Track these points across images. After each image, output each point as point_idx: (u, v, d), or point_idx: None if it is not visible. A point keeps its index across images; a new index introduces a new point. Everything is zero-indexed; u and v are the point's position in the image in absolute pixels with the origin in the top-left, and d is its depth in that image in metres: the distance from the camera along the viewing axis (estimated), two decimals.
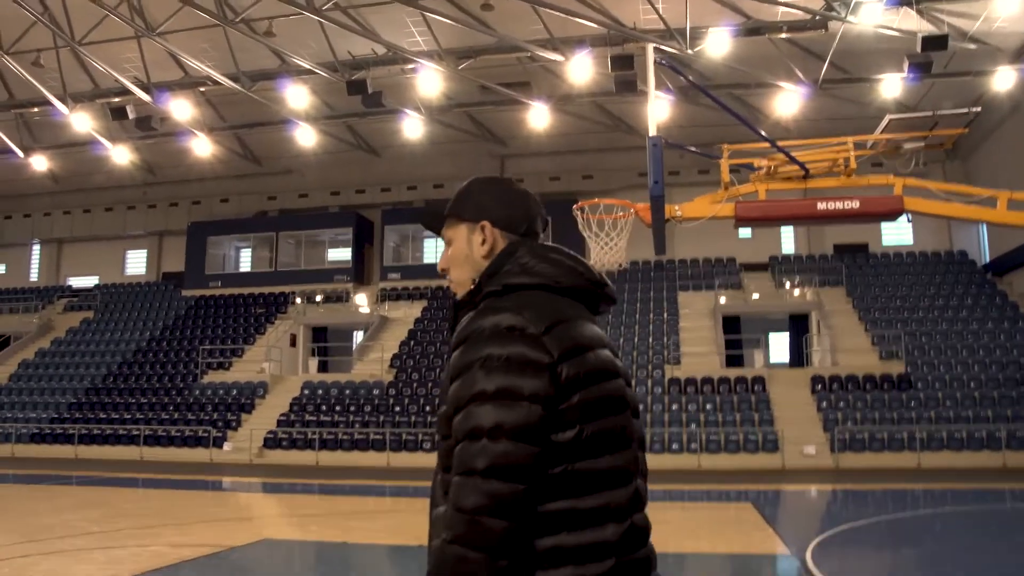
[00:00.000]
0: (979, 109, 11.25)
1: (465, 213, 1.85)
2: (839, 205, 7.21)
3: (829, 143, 8.18)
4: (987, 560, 8.27)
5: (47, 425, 26.44)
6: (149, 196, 37.27)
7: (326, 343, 31.17)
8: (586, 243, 9.66)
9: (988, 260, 29.21)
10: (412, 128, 28.57)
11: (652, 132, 6.45)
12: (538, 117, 28.73)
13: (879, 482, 17.12)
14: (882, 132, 8.58)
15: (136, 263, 39.02)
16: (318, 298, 32.08)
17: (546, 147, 31.75)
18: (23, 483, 18.23)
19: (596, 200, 9.84)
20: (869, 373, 23.66)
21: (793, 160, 7.31)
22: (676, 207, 6.69)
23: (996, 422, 20.55)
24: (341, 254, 34.39)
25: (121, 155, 31.34)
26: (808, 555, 8.70)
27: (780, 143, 7.71)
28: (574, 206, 9.53)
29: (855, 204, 7.22)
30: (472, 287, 1.82)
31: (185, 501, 14.67)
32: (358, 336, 31.62)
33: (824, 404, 22.73)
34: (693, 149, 9.08)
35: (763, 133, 7.11)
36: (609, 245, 9.05)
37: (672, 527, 11.46)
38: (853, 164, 7.39)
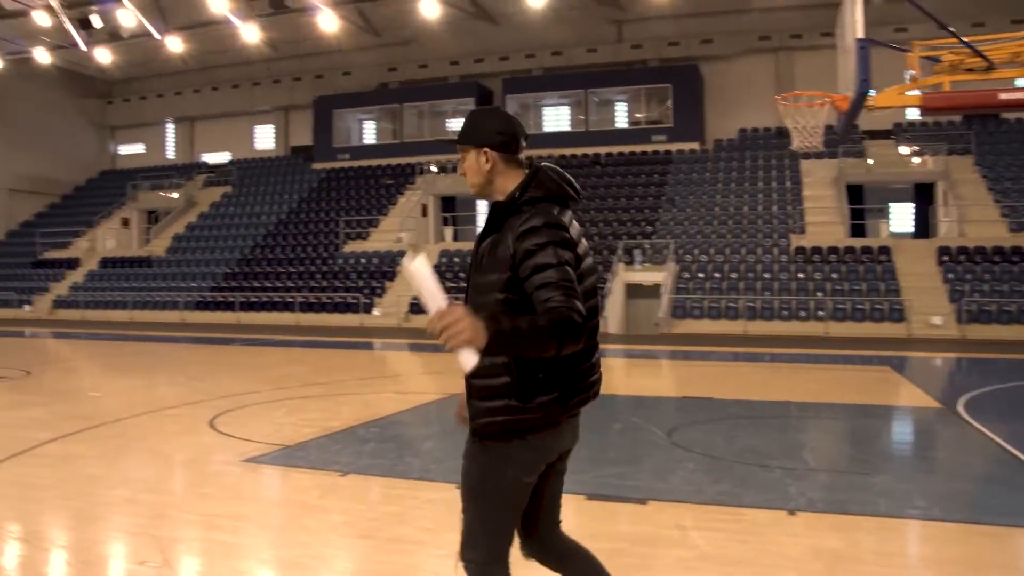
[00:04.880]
0: None
1: (471, 142, 2.63)
2: (1020, 95, 7.72)
3: (1012, 37, 8.59)
4: None
5: (208, 293, 28.86)
6: (273, 71, 38.52)
7: (455, 212, 32.32)
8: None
9: None
10: None
11: (860, 35, 6.99)
12: None
13: (1008, 352, 17.64)
14: None
15: (264, 138, 40.79)
16: (433, 168, 32.71)
17: (666, 11, 31.32)
18: (202, 344, 20.39)
19: (797, 92, 10.45)
20: (998, 245, 23.68)
21: (978, 53, 7.78)
22: (869, 98, 7.26)
23: None
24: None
25: (251, 33, 32.42)
26: (960, 407, 9.67)
27: (966, 38, 8.14)
28: (776, 96, 10.23)
29: None
30: (481, 188, 2.64)
31: (368, 359, 16.43)
32: (483, 205, 32.70)
33: (951, 275, 23.01)
34: (893, 46, 9.44)
35: (950, 28, 7.51)
36: (808, 131, 9.78)
37: (824, 384, 12.51)
38: None
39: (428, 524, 4.99)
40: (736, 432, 8.26)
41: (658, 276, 24.54)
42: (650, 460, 6.76)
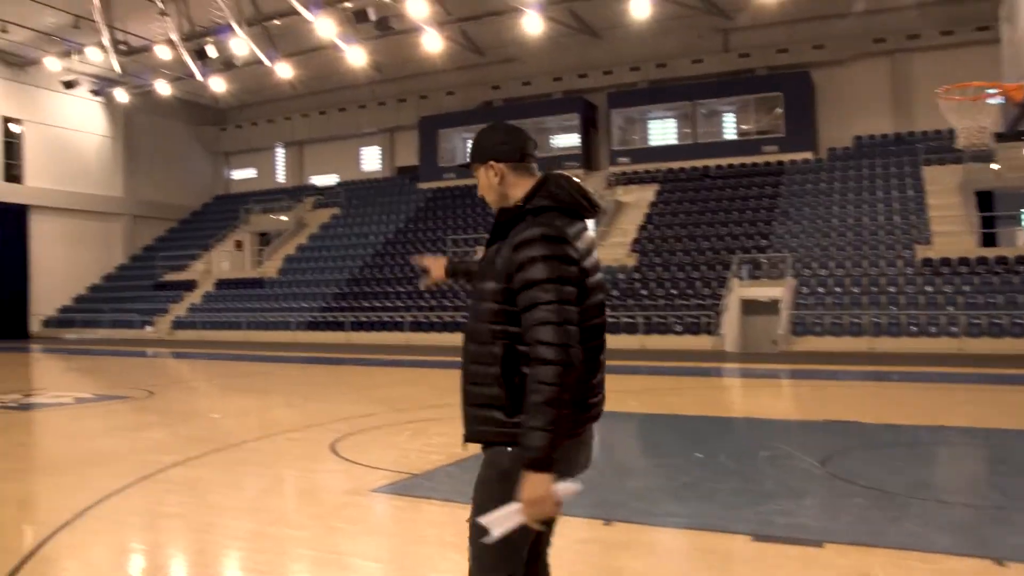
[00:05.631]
0: None
1: (478, 159, 2.62)
2: None
3: None
4: None
5: (319, 314, 29.25)
6: (378, 94, 39.07)
7: None
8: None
9: None
10: (638, 6, 27.92)
11: None
12: None
13: None
14: None
15: (371, 159, 41.42)
16: None
17: (774, 17, 30.35)
18: (314, 363, 20.56)
19: (965, 84, 9.56)
20: None
21: None
22: None
23: None
24: (568, 140, 34.71)
25: (357, 56, 32.89)
26: None
27: None
28: (938, 90, 9.39)
29: None
30: (498, 203, 2.60)
31: None
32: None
33: None
34: None
35: None
36: (975, 126, 8.91)
37: (980, 407, 11.44)
38: None
39: (581, 567, 4.53)
40: (898, 462, 7.48)
41: (775, 291, 23.48)
42: (812, 495, 6.09)
